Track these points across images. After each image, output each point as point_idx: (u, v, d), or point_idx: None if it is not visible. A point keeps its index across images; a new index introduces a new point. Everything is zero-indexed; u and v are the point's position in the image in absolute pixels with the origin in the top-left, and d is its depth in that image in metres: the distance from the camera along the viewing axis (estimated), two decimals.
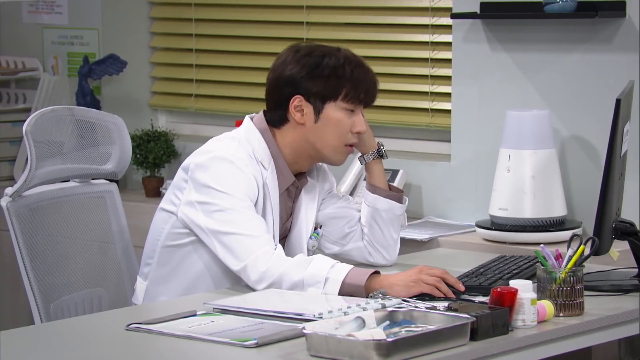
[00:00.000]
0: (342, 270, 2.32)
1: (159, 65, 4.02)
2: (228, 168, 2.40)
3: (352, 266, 2.35)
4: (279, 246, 2.41)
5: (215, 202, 2.39)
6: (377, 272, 2.33)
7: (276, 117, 2.48)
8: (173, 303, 2.36)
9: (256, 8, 3.79)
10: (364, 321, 2.02)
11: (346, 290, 2.29)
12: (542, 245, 2.32)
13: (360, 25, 3.62)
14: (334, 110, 2.44)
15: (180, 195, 2.45)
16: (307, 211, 2.55)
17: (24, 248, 2.48)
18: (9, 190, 2.49)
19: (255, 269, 2.35)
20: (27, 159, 2.50)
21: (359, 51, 3.59)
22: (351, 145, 2.49)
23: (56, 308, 2.53)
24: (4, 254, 3.83)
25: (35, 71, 4.10)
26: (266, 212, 2.45)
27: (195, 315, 2.18)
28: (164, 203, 2.50)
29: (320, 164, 2.60)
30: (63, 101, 3.98)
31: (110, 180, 2.70)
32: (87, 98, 3.93)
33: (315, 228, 2.60)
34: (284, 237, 2.57)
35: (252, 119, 2.51)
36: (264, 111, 2.52)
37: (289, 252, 2.51)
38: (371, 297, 2.25)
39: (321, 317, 2.09)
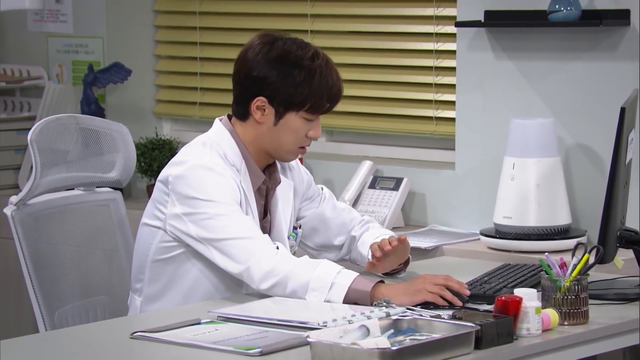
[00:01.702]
0: (349, 276, 2.31)
1: (163, 73, 4.02)
2: (208, 175, 2.39)
3: (358, 273, 2.34)
4: (282, 245, 2.40)
5: (202, 211, 2.37)
6: (381, 281, 2.33)
7: (240, 110, 2.46)
8: (177, 311, 2.36)
9: (262, 16, 3.79)
10: (368, 329, 2.02)
11: (351, 297, 2.29)
12: (546, 253, 2.31)
13: (365, 33, 3.63)
14: (294, 119, 2.42)
15: (164, 209, 2.42)
16: (284, 210, 2.52)
17: (29, 256, 2.48)
18: (14, 199, 2.50)
19: (259, 269, 2.33)
20: (31, 167, 2.50)
21: (363, 59, 3.65)
22: (304, 147, 2.47)
23: (60, 316, 2.53)
24: (8, 263, 3.84)
25: (40, 79, 4.11)
26: (247, 214, 2.42)
27: (199, 323, 2.18)
28: (147, 218, 2.47)
29: (292, 163, 2.57)
30: (68, 109, 3.99)
31: (115, 189, 2.70)
32: (92, 106, 3.94)
33: (295, 228, 2.57)
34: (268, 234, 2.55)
35: (221, 120, 2.50)
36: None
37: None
38: (375, 305, 2.25)
39: (325, 326, 2.09)
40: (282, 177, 2.54)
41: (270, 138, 2.44)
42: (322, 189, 2.67)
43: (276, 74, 2.40)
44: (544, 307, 2.18)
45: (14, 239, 2.48)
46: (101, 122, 2.65)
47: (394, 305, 2.23)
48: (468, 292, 2.30)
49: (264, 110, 2.42)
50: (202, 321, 2.19)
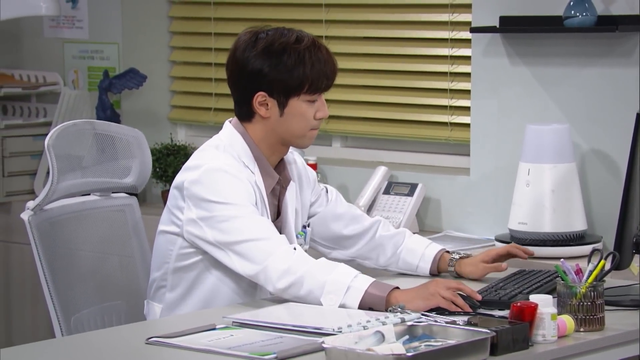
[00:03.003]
0: (365, 280, 2.31)
1: (178, 79, 4.04)
2: (223, 178, 2.39)
3: (374, 279, 2.35)
4: (299, 246, 2.40)
5: (218, 214, 2.37)
6: (396, 287, 2.33)
7: (244, 111, 2.47)
8: (192, 317, 2.36)
9: (277, 22, 3.79)
10: (383, 335, 2.02)
11: (367, 301, 2.29)
12: (562, 259, 2.30)
13: (379, 39, 3.63)
14: (298, 104, 2.43)
15: (181, 215, 2.42)
16: (294, 208, 2.53)
17: (45, 261, 2.49)
18: (31, 204, 2.50)
19: (276, 268, 2.32)
20: (48, 173, 2.51)
21: (378, 65, 3.65)
22: (316, 128, 2.48)
23: (77, 321, 2.53)
24: (25, 267, 3.86)
25: (56, 85, 4.12)
26: (262, 214, 2.43)
27: (214, 329, 2.18)
28: (164, 225, 2.47)
29: (294, 160, 2.57)
30: (83, 115, 4.01)
31: (130, 194, 2.70)
32: (107, 112, 3.96)
33: (303, 227, 2.58)
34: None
35: (230, 122, 2.50)
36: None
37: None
38: (390, 311, 2.24)
39: (340, 331, 2.08)
40: (289, 175, 2.53)
41: (282, 129, 2.44)
42: (326, 189, 2.66)
43: (268, 65, 2.40)
44: (559, 313, 2.17)
45: (31, 244, 2.49)
46: (117, 127, 2.66)
47: (408, 311, 2.23)
48: (480, 297, 2.30)
49: (267, 104, 2.43)
50: (217, 327, 2.19)
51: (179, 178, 2.45)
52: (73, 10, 4.12)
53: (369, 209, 3.46)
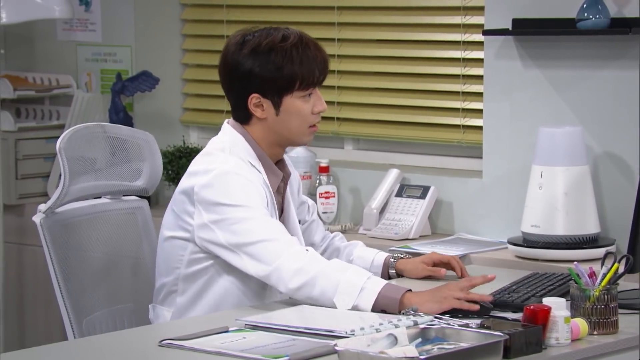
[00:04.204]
0: (379, 282, 2.32)
1: (191, 81, 4.04)
2: (234, 180, 2.39)
3: (387, 281, 2.35)
4: (311, 247, 2.41)
5: (229, 217, 2.37)
6: (409, 290, 2.33)
7: (241, 115, 2.49)
8: (205, 319, 2.37)
9: (289, 25, 3.78)
10: (396, 338, 2.02)
11: (380, 303, 2.29)
12: (575, 262, 2.30)
13: (392, 41, 3.62)
14: (292, 101, 2.44)
15: (190, 221, 2.42)
16: (293, 205, 2.55)
17: (57, 264, 2.49)
18: (43, 207, 2.51)
19: (288, 268, 2.32)
20: (60, 176, 2.52)
21: (391, 67, 3.64)
22: (315, 125, 2.48)
23: (89, 324, 2.54)
24: (38, 269, 3.86)
25: (69, 88, 4.14)
26: (272, 215, 2.44)
27: (227, 331, 2.18)
28: (170, 231, 2.46)
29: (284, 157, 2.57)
30: (96, 118, 4.01)
31: (141, 197, 2.71)
32: (120, 115, 3.96)
33: None
34: None
35: (228, 122, 2.51)
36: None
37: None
38: (403, 314, 2.24)
39: (353, 334, 2.08)
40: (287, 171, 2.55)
41: (279, 128, 2.46)
42: (308, 202, 2.68)
43: (257, 66, 2.42)
44: (573, 316, 2.17)
45: (43, 247, 2.50)
46: (128, 130, 2.67)
47: (421, 313, 2.23)
48: (489, 298, 2.30)
49: (262, 105, 2.45)
50: (230, 329, 2.19)
51: (186, 183, 2.44)
52: (86, 13, 4.13)
53: (381, 212, 3.46)
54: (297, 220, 2.55)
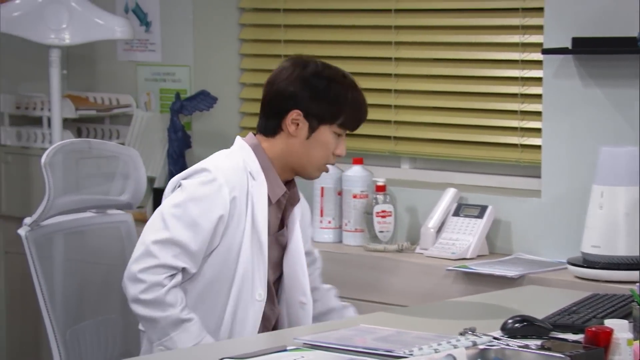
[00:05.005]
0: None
1: (248, 100, 4.07)
2: (205, 184, 2.47)
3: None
4: (182, 298, 2.47)
5: (165, 205, 2.48)
6: None
7: (271, 125, 2.55)
8: (262, 337, 2.37)
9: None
10: (455, 359, 2.00)
11: None
12: (637, 283, 2.27)
13: (450, 60, 3.62)
14: (326, 133, 2.53)
15: None
16: (299, 226, 2.60)
17: (42, 276, 2.55)
18: (28, 220, 2.57)
19: (139, 285, 2.44)
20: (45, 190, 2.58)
21: (448, 86, 3.63)
22: (329, 164, 2.58)
23: (72, 334, 2.60)
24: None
25: (128, 107, 4.19)
26: (255, 221, 2.49)
27: (285, 350, 2.18)
28: None
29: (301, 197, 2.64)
30: (155, 137, 4.06)
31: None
32: (179, 133, 4.00)
33: None
34: (284, 247, 2.59)
35: (241, 138, 2.60)
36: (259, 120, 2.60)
37: (290, 261, 2.58)
38: (462, 334, 2.23)
39: (412, 354, 2.07)
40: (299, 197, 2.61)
41: (301, 152, 2.53)
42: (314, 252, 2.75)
43: (311, 89, 2.51)
44: (635, 338, 2.13)
45: (28, 259, 2.55)
46: (113, 146, 2.76)
47: (480, 334, 2.21)
48: None
49: (299, 123, 2.52)
50: (288, 348, 2.20)
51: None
52: (146, 34, 4.18)
53: (438, 231, 3.44)
54: (302, 245, 2.59)
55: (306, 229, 2.69)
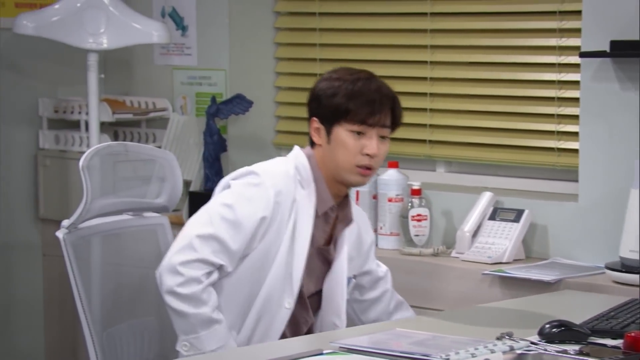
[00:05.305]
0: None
1: (283, 104, 4.08)
2: (252, 186, 2.49)
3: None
4: (214, 295, 2.47)
5: (212, 203, 2.51)
6: None
7: (310, 137, 2.59)
8: (297, 341, 2.37)
9: (381, 48, 3.81)
10: None
11: None
12: None
13: (485, 64, 3.60)
14: (341, 132, 2.51)
15: None
16: (347, 249, 2.58)
17: (79, 277, 2.57)
18: (66, 222, 2.59)
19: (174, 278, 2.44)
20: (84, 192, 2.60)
21: (484, 90, 3.62)
22: (367, 168, 2.51)
23: (109, 336, 2.62)
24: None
25: (165, 111, 4.21)
26: (297, 229, 2.49)
27: (321, 354, 2.19)
28: None
29: (359, 214, 2.65)
30: (191, 140, 4.08)
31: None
32: (214, 137, 4.02)
33: (349, 278, 2.63)
34: (329, 263, 2.58)
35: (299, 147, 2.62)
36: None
37: (332, 281, 2.57)
38: (499, 338, 2.21)
39: (448, 359, 2.07)
40: (354, 220, 2.59)
41: (329, 157, 2.53)
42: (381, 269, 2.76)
43: (317, 93, 2.53)
44: None
45: (66, 261, 2.57)
46: (150, 149, 2.77)
47: (517, 338, 2.20)
48: None
49: (319, 130, 2.54)
50: (324, 352, 2.20)
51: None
52: (182, 38, 4.21)
53: (474, 235, 3.43)
54: (345, 268, 2.57)
55: (366, 252, 2.69)
